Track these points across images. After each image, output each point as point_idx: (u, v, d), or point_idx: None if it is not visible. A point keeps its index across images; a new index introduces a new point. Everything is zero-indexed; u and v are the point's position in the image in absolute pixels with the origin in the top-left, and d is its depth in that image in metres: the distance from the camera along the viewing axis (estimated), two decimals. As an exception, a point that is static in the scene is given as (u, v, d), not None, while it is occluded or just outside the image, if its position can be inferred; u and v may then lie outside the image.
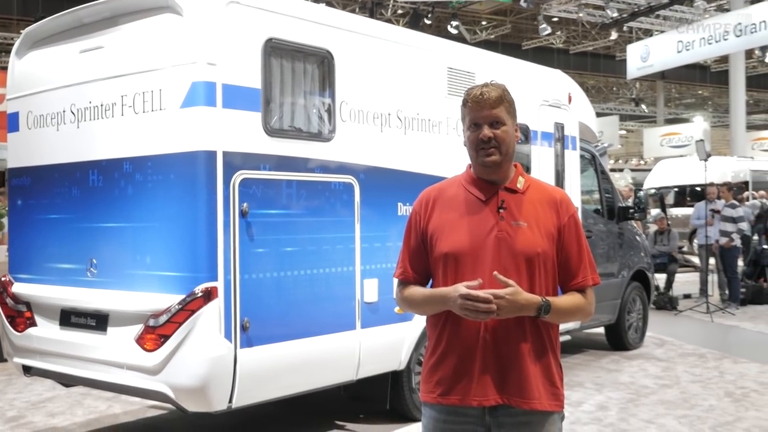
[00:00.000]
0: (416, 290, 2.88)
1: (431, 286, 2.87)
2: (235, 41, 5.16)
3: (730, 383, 7.87)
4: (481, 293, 2.58)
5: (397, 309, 6.07)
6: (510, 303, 2.60)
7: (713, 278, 13.89)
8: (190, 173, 5.01)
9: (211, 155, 4.96)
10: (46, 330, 5.79)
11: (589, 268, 2.85)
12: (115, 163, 5.37)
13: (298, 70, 5.57)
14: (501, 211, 2.77)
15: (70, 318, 5.64)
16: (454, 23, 26.34)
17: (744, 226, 13.26)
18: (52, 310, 5.77)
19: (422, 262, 2.88)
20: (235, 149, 5.07)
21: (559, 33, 35.13)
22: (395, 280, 3.00)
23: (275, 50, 5.36)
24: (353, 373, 5.89)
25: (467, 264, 2.73)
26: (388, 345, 6.13)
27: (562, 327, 2.92)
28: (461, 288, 2.62)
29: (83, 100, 5.60)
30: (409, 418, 6.36)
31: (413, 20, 26.24)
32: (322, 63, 5.70)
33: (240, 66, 5.15)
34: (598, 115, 15.16)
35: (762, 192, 22.08)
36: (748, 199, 20.21)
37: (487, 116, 2.75)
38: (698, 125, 37.45)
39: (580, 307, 2.82)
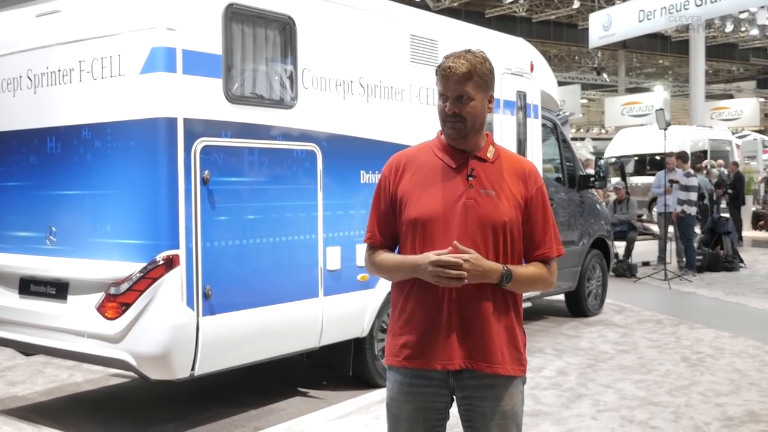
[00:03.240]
0: (386, 256, 2.89)
1: (399, 252, 2.89)
2: (195, 6, 5.09)
3: (686, 348, 8.03)
4: (451, 258, 2.61)
5: (360, 276, 6.11)
6: (472, 269, 2.62)
7: (671, 246, 14.10)
8: (151, 140, 4.96)
9: (171, 122, 4.91)
10: (4, 298, 5.73)
11: (554, 240, 2.88)
12: (74, 129, 5.30)
13: (259, 37, 5.51)
14: (470, 179, 2.78)
15: (29, 286, 5.58)
16: (418, -10, 26.22)
17: (693, 196, 13.44)
18: (10, 278, 5.71)
19: (390, 226, 2.89)
20: (196, 116, 5.02)
21: (522, 1, 35.09)
22: (364, 245, 3.01)
23: (236, 16, 5.29)
24: (316, 341, 5.91)
25: (435, 230, 2.75)
26: (351, 312, 6.16)
27: (524, 294, 2.96)
28: (431, 255, 2.65)
29: (40, 66, 5.50)
30: (371, 385, 6.42)
31: (376, -13, 26.00)
32: (284, 29, 5.64)
33: (200, 31, 5.08)
34: (560, 83, 15.25)
35: (720, 161, 22.40)
36: (706, 168, 20.50)
37: (453, 89, 2.76)
38: (658, 94, 37.78)
39: (542, 277, 2.85)
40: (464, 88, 2.75)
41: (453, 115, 2.76)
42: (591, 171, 10.56)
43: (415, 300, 2.80)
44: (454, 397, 2.83)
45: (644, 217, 21.33)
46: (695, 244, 14.19)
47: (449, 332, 2.74)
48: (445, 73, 2.76)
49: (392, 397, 2.88)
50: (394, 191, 2.86)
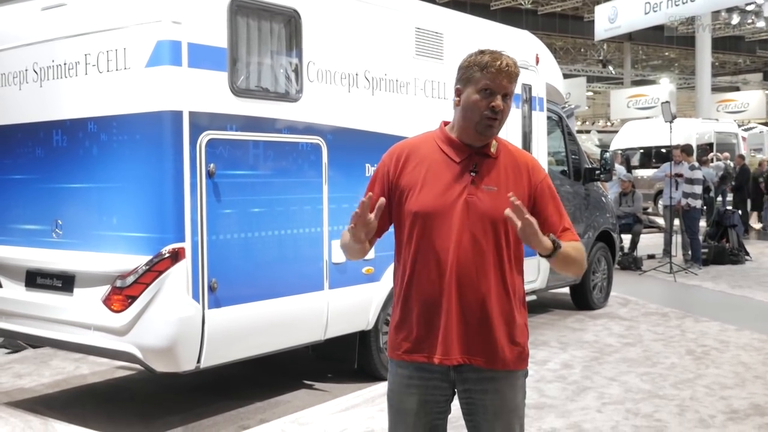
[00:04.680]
0: (344, 232, 2.83)
1: (397, 245, 2.88)
2: (200, 0, 5.09)
3: (692, 341, 8.03)
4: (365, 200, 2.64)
5: (365, 269, 6.12)
6: (533, 229, 2.58)
7: (677, 239, 14.08)
8: (156, 133, 4.97)
9: (177, 115, 4.91)
10: (11, 291, 5.75)
11: (571, 228, 2.88)
12: (80, 122, 5.31)
13: (264, 30, 5.51)
14: (473, 174, 2.78)
15: (35, 279, 5.60)
16: (423, -17, 26.10)
17: (698, 189, 13.41)
18: (17, 271, 5.73)
19: (381, 218, 2.78)
20: (201, 109, 5.03)
21: (527, -7, 35.07)
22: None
23: (241, 9, 5.30)
24: (321, 333, 5.92)
25: (435, 225, 2.75)
26: (356, 305, 6.17)
27: (528, 287, 2.96)
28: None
29: (46, 59, 5.50)
30: (376, 377, 6.42)
31: (381, -21, 25.93)
32: (289, 22, 5.64)
33: (206, 25, 5.08)
34: (566, 76, 15.21)
35: (726, 153, 22.33)
36: (712, 161, 20.46)
37: (504, 87, 2.74)
38: (664, 87, 37.73)
39: (579, 250, 2.83)
40: (512, 87, 2.76)
41: (498, 111, 2.73)
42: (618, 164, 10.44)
43: (415, 293, 2.79)
44: (456, 390, 2.84)
45: (650, 210, 21.28)
46: (701, 237, 14.16)
47: (448, 327, 2.74)
48: (500, 68, 2.72)
49: (393, 390, 2.89)
50: (395, 182, 2.84)
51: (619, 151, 21.66)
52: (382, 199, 2.68)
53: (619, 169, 16.30)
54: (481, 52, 2.79)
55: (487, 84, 2.73)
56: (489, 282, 2.73)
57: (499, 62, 2.74)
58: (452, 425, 2.95)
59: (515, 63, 2.78)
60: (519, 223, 2.56)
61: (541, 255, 2.73)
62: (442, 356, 2.75)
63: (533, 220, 2.58)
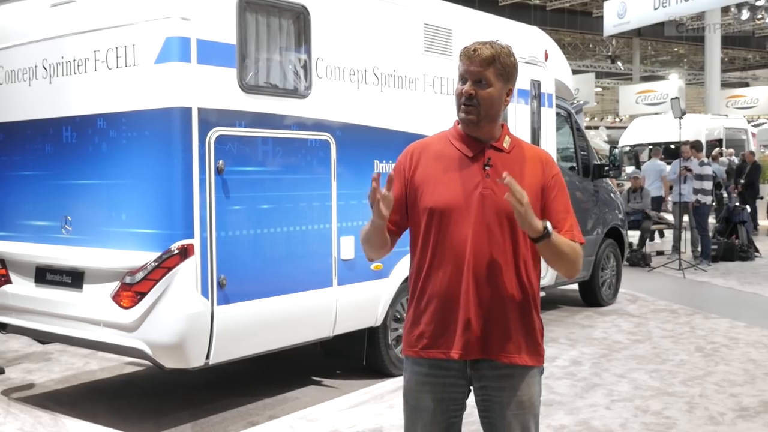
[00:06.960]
0: (365, 225, 2.87)
1: (413, 242, 2.87)
2: (209, -4, 5.10)
3: (701, 338, 8.00)
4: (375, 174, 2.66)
5: (374, 266, 6.11)
6: (526, 210, 2.56)
7: (686, 235, 14.02)
8: (165, 130, 4.97)
9: (186, 112, 4.92)
10: (21, 287, 5.77)
11: (576, 227, 2.84)
12: (89, 119, 5.32)
13: (273, 26, 5.51)
14: (486, 168, 2.77)
15: (45, 275, 5.62)
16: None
17: (707, 185, 13.36)
18: (27, 267, 5.75)
19: (400, 213, 2.86)
20: (210, 106, 5.03)
21: (536, -11, 34.97)
22: None
23: (250, 5, 5.29)
24: (330, 330, 5.93)
25: (451, 219, 2.75)
26: (365, 302, 6.17)
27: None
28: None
29: (55, 55, 5.51)
30: (385, 374, 6.43)
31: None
32: (298, 18, 5.64)
33: (215, 21, 5.08)
34: (575, 72, 15.16)
35: (731, 150, 22.23)
36: (722, 155, 20.36)
37: (473, 72, 2.75)
38: (673, 83, 37.57)
39: (574, 249, 2.77)
40: (485, 72, 2.74)
41: (469, 96, 2.74)
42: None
43: (431, 289, 2.79)
44: (471, 387, 2.83)
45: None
46: (710, 234, 14.12)
47: (466, 322, 2.73)
48: (469, 54, 2.75)
49: (409, 388, 2.87)
50: (410, 179, 2.85)
51: (660, 147, 20.90)
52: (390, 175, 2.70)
53: (659, 164, 16.17)
54: (466, 45, 2.82)
55: (461, 72, 2.79)
56: (506, 275, 2.72)
57: (470, 49, 2.77)
58: (464, 421, 2.94)
59: (490, 47, 2.76)
60: (513, 201, 2.54)
61: (530, 238, 2.68)
62: (461, 351, 2.74)
63: (524, 193, 2.55)
